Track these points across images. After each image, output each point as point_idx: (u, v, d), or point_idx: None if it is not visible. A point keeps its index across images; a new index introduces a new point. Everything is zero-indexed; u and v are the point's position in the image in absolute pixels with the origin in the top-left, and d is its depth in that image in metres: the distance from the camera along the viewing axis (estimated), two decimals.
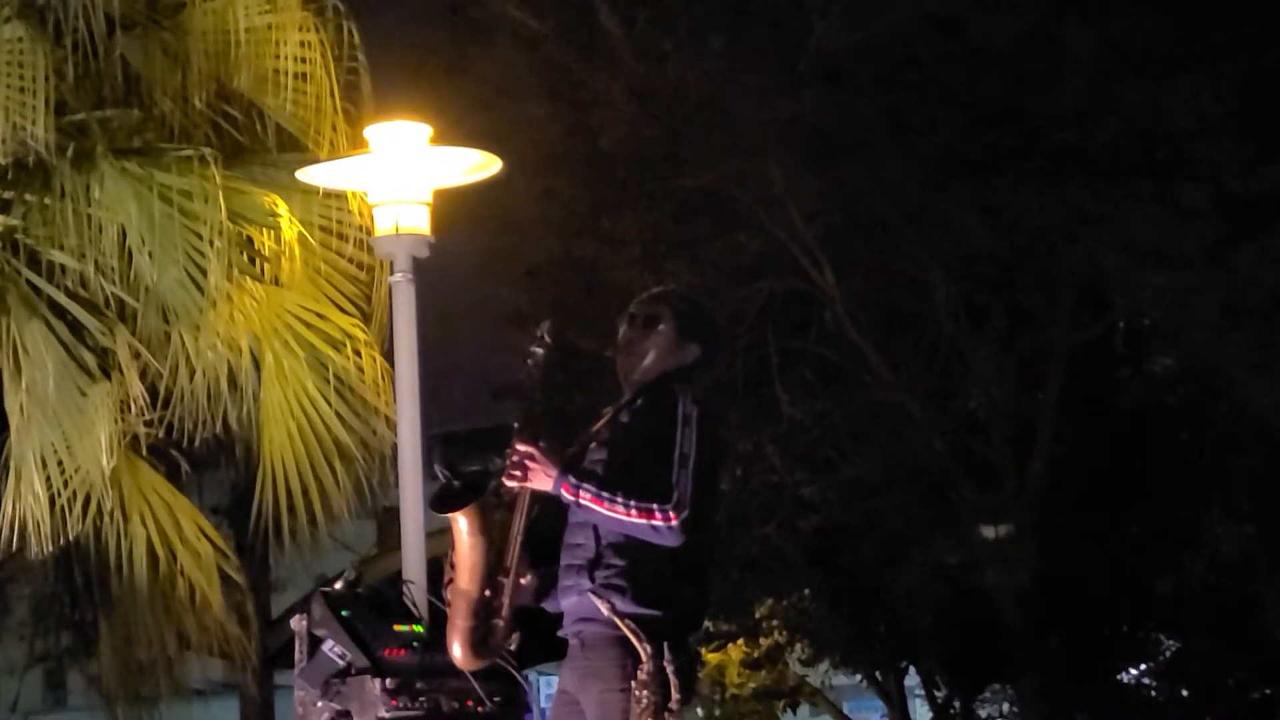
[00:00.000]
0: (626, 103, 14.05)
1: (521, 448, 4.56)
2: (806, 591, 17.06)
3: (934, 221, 13.85)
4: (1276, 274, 12.44)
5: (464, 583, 4.62)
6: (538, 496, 4.63)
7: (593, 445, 4.63)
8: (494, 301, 15.57)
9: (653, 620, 4.43)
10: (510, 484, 4.59)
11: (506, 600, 4.63)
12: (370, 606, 5.68)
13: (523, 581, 4.68)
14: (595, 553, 4.53)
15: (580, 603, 4.53)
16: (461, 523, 4.60)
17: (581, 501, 4.49)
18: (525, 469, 4.56)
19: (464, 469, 4.75)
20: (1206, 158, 12.79)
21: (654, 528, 4.44)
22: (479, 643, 4.64)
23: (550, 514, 4.67)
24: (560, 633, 4.63)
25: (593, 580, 4.50)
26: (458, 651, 4.65)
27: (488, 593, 4.62)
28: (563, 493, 4.52)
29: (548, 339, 4.69)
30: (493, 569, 4.62)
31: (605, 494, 4.47)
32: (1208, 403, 14.77)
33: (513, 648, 4.71)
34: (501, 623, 4.64)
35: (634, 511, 4.45)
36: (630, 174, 14.35)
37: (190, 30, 7.79)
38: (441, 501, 4.64)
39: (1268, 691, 16.08)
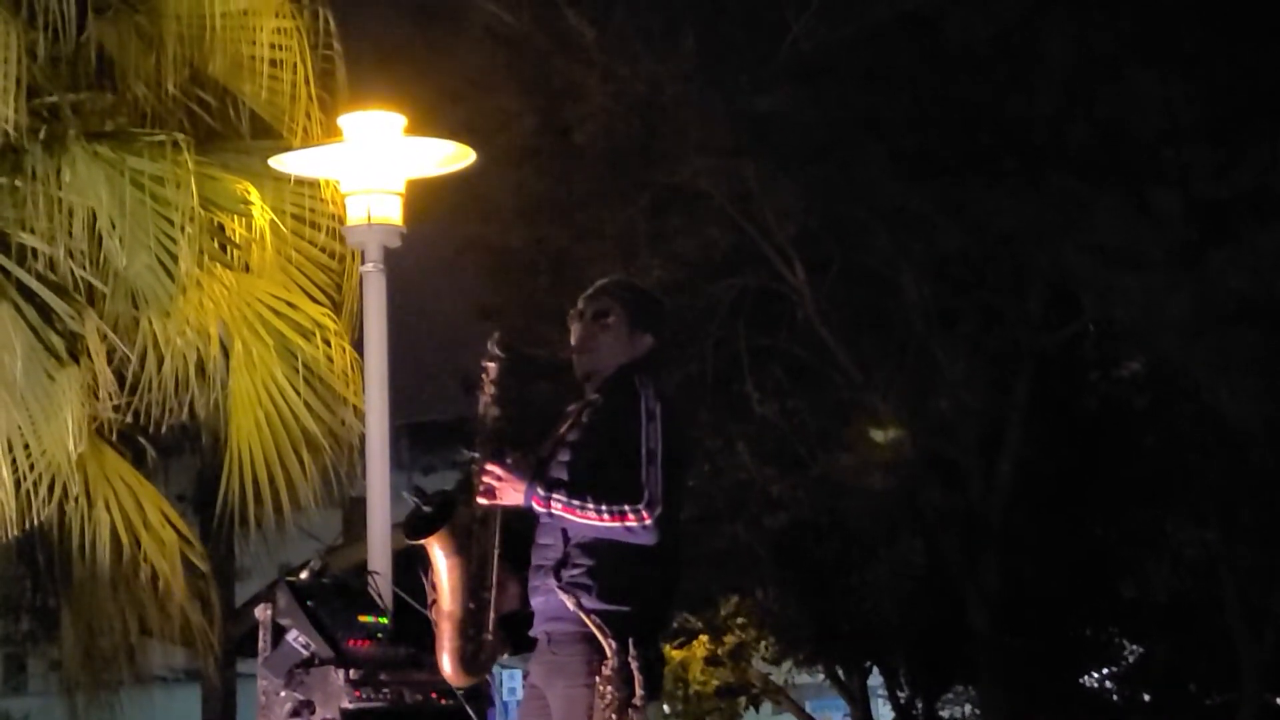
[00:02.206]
0: (601, 97, 14.04)
1: (488, 466, 4.55)
2: (772, 590, 17.08)
3: (906, 221, 13.87)
4: (1245, 279, 12.49)
5: (448, 603, 4.62)
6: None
7: (558, 449, 4.62)
8: (466, 293, 15.56)
9: (619, 616, 4.43)
10: (481, 502, 4.59)
11: (492, 616, 4.62)
12: (335, 597, 5.67)
13: (510, 601, 4.67)
14: (563, 553, 4.53)
15: (548, 602, 4.53)
16: (436, 546, 4.60)
17: (554, 511, 4.48)
18: (493, 488, 4.55)
19: (432, 492, 4.74)
20: (1178, 162, 12.85)
21: (628, 529, 4.44)
22: (470, 660, 4.64)
23: (525, 513, 4.67)
24: (531, 632, 4.63)
25: (559, 580, 4.50)
26: (450, 670, 4.65)
27: (472, 607, 4.61)
28: (534, 505, 4.51)
29: (498, 351, 4.67)
30: (474, 586, 4.61)
31: (576, 501, 4.46)
32: (1174, 407, 14.83)
33: (506, 657, 4.72)
34: (490, 637, 4.64)
35: (606, 515, 4.44)
36: (604, 169, 14.34)
37: (165, 14, 7.74)
38: (414, 529, 4.63)
39: (1228, 696, 16.15)
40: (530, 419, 4.92)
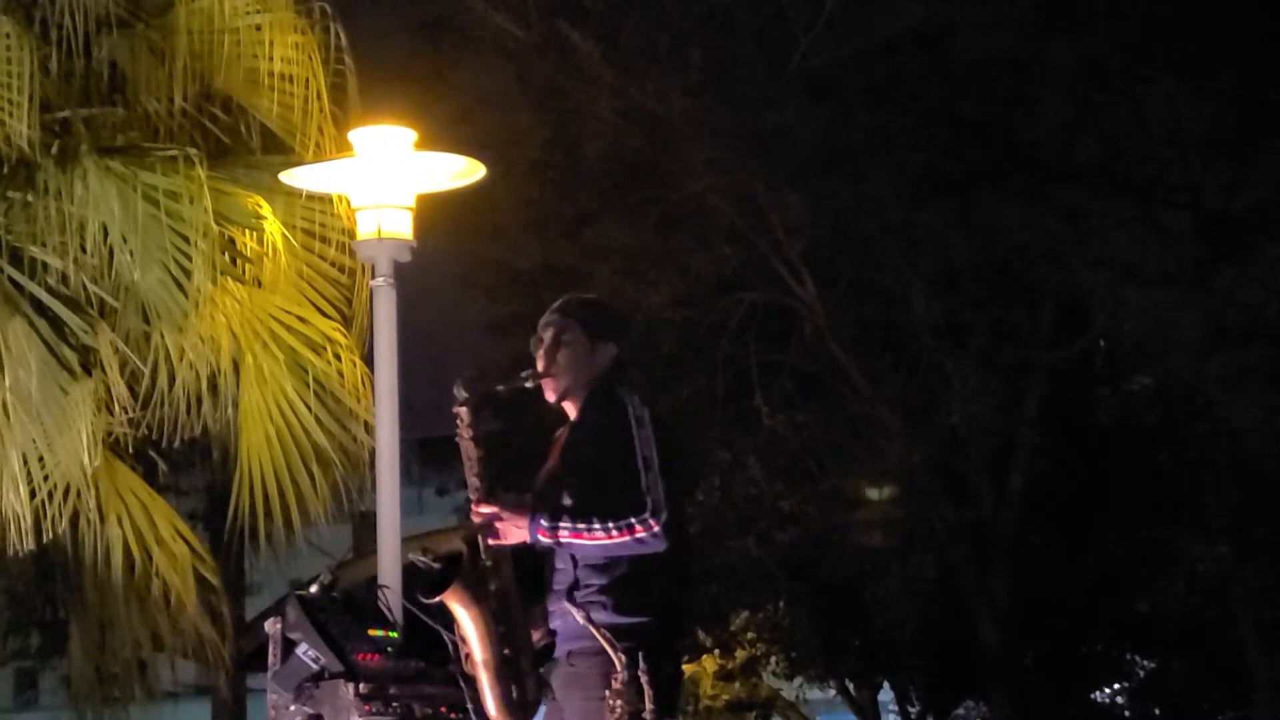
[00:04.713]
0: (610, 113, 14.06)
1: (485, 509, 4.56)
2: (783, 604, 17.07)
3: (915, 236, 13.88)
4: (1256, 294, 12.48)
5: (480, 652, 4.63)
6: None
7: (554, 476, 4.62)
8: (476, 308, 15.57)
9: (630, 629, 4.44)
10: (489, 546, 4.60)
11: (529, 656, 4.63)
12: (345, 611, 5.67)
13: (538, 633, 4.68)
14: (573, 577, 4.55)
15: (566, 624, 4.56)
16: (454, 601, 4.61)
17: (562, 540, 4.50)
18: (496, 530, 4.56)
19: (440, 551, 4.74)
20: (1187, 177, 12.85)
21: (638, 540, 4.46)
22: (517, 703, 4.64)
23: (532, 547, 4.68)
24: (554, 655, 4.64)
25: (572, 602, 4.51)
26: (499, 717, 4.64)
27: (507, 652, 4.61)
28: (540, 538, 4.52)
29: (464, 394, 4.67)
30: (502, 630, 4.61)
31: (582, 525, 4.47)
32: (1186, 423, 14.81)
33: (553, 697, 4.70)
34: (530, 679, 4.64)
35: (615, 531, 4.46)
36: (612, 184, 14.36)
37: (176, 29, 7.76)
38: (430, 588, 4.64)
39: (1241, 714, 16.12)
40: (524, 450, 4.93)
